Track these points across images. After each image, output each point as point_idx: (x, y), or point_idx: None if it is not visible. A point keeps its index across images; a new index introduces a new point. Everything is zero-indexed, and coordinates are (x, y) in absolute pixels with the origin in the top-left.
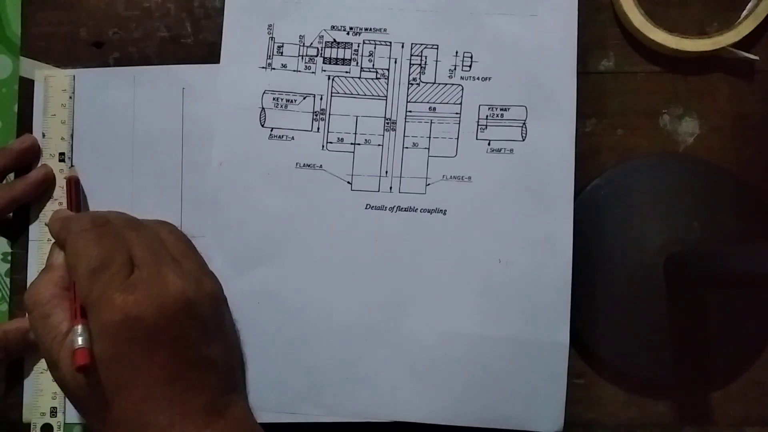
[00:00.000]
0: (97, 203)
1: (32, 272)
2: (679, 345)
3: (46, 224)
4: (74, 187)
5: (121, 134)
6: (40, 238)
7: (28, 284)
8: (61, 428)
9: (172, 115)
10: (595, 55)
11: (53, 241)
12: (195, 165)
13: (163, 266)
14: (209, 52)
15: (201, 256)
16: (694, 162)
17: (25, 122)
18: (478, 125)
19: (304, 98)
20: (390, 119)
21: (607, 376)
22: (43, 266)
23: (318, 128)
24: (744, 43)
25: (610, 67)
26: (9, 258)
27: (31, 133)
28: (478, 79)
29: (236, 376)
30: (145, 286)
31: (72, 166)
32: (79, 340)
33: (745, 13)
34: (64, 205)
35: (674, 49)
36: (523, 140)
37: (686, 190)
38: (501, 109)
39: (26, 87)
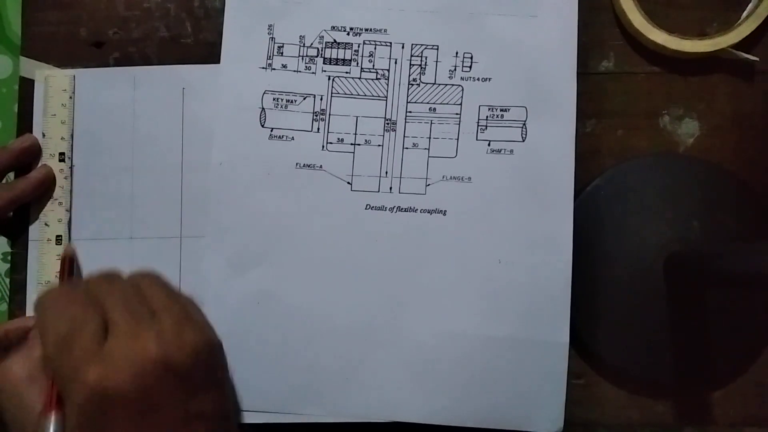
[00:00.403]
0: (97, 203)
1: (32, 272)
2: (679, 345)
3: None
4: (68, 265)
5: (121, 134)
6: (40, 238)
7: (28, 284)
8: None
9: (172, 115)
10: (595, 56)
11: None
12: (195, 165)
13: (140, 326)
14: (209, 52)
15: (186, 302)
16: (694, 162)
17: (25, 122)
18: (478, 126)
19: (305, 98)
20: (390, 120)
21: (607, 376)
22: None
23: (318, 128)
24: (744, 44)
25: (610, 68)
26: (9, 258)
27: (31, 132)
28: (478, 79)
29: (229, 421)
30: (120, 354)
31: (70, 242)
32: None
33: (745, 14)
34: (65, 206)
35: (674, 49)
36: (523, 141)
37: (686, 190)
38: (501, 110)
39: (26, 87)
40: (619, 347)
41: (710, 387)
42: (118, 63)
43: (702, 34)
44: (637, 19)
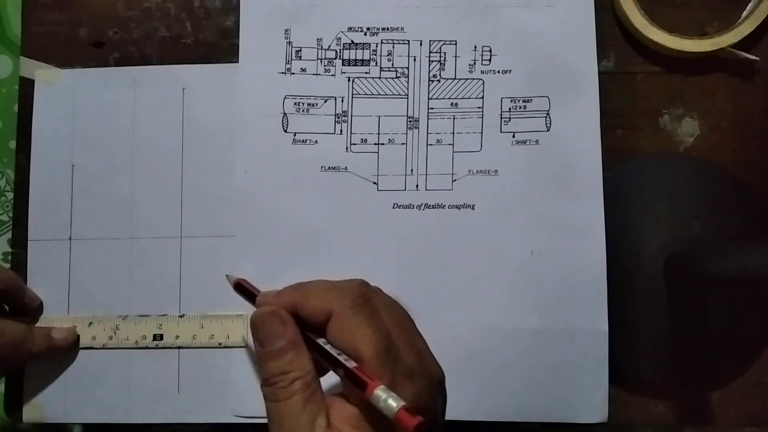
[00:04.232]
0: (97, 203)
1: (32, 272)
2: (679, 345)
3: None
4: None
5: (121, 134)
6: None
7: (28, 284)
8: None
9: (172, 115)
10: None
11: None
12: (195, 165)
13: (419, 350)
14: (209, 52)
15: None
16: (694, 162)
17: (25, 122)
18: (501, 118)
19: (326, 101)
20: (412, 117)
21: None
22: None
23: (341, 130)
24: (744, 44)
25: (610, 67)
26: (9, 258)
27: (30, 132)
28: (498, 72)
29: None
30: (419, 376)
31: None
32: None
33: (745, 13)
34: None
35: (674, 49)
36: (548, 130)
37: (686, 190)
38: (523, 101)
39: (26, 87)
40: (619, 347)
41: (710, 387)
42: (118, 63)
43: (702, 34)
44: (637, 18)
